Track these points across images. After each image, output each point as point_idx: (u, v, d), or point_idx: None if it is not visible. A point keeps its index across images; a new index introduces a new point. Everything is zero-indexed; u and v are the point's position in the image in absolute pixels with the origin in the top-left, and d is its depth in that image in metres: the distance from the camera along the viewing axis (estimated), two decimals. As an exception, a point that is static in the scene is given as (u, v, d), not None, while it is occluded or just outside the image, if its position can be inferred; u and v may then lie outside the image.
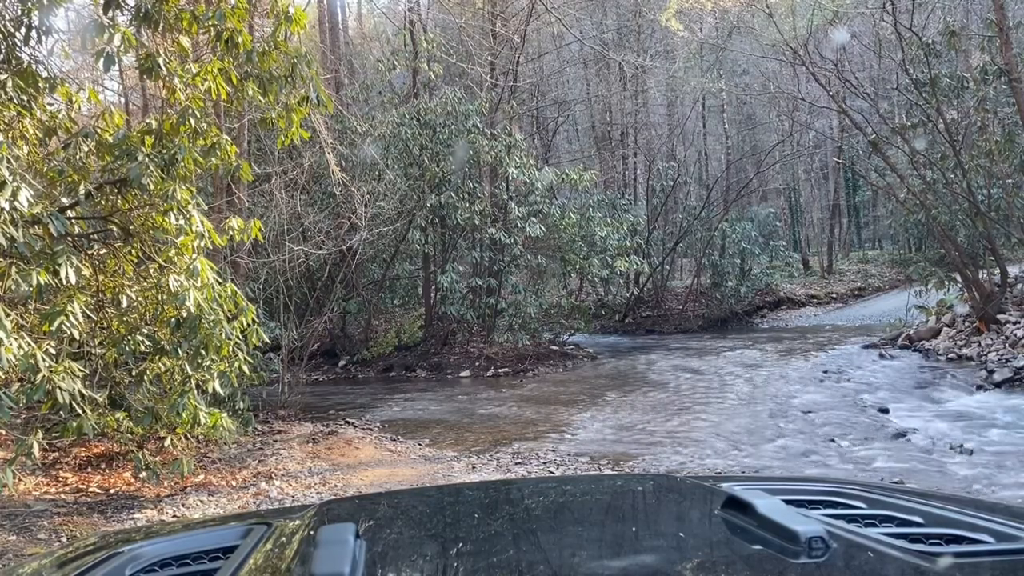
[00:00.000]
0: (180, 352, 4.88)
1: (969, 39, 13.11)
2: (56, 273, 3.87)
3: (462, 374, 13.70)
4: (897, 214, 15.44)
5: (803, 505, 1.29)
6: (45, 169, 4.83)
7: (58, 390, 3.88)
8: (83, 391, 4.17)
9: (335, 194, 11.36)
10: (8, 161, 3.74)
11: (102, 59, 4.20)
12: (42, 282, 3.76)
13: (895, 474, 5.93)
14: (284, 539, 1.24)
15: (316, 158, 10.87)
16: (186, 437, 5.70)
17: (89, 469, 6.31)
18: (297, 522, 1.35)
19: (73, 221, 4.58)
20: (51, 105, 4.90)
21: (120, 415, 5.31)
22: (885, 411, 8.29)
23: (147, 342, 5.11)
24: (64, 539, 4.60)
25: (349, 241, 11.55)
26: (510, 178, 14.28)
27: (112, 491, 5.76)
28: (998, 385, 9.10)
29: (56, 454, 6.62)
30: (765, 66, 23.85)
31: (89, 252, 5.03)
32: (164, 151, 4.63)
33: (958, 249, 12.15)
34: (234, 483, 6.15)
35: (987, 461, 6.20)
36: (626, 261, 14.93)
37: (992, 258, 12.37)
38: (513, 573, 1.01)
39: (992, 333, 11.28)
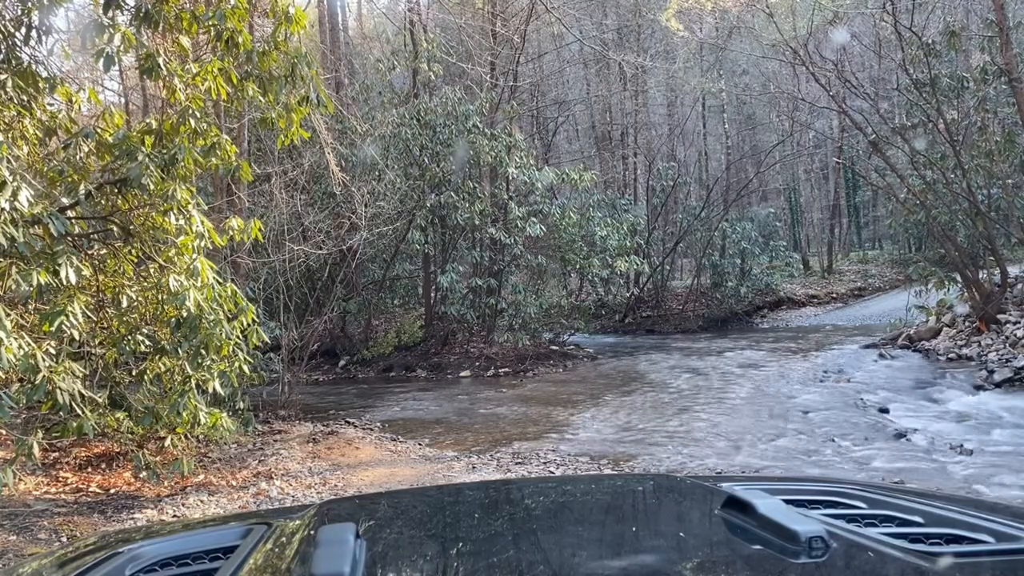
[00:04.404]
0: (180, 352, 4.88)
1: (969, 39, 13.10)
2: (56, 273, 3.86)
3: (462, 374, 13.70)
4: (897, 214, 15.43)
5: (803, 505, 1.29)
6: (45, 169, 4.83)
7: (58, 390, 3.88)
8: (83, 391, 4.17)
9: (335, 194, 11.37)
10: (8, 161, 3.74)
11: (102, 59, 4.20)
12: (42, 282, 3.75)
13: (895, 474, 5.93)
14: (284, 539, 1.24)
15: (316, 158, 10.88)
16: (186, 437, 5.71)
17: (89, 469, 6.31)
18: (297, 522, 1.35)
19: (73, 221, 4.58)
20: (51, 105, 4.90)
21: (120, 415, 5.31)
22: (885, 411, 8.29)
23: (147, 342, 5.12)
24: (64, 539, 4.60)
25: (349, 241, 11.55)
26: (510, 178, 14.29)
27: (112, 491, 5.76)
28: (998, 385, 9.10)
29: (56, 454, 6.62)
30: (765, 66, 23.86)
31: (89, 252, 5.03)
32: (164, 151, 4.63)
33: (958, 249, 12.14)
34: (234, 483, 6.15)
35: (987, 461, 6.20)
36: (626, 261, 14.93)
37: (992, 258, 12.36)
38: (513, 573, 1.01)
39: (992, 333, 11.28)
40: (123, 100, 17.85)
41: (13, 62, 4.43)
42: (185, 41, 4.88)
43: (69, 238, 4.39)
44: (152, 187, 4.46)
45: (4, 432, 6.07)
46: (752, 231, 21.25)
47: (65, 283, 3.95)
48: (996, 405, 8.23)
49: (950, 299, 12.92)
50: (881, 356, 12.26)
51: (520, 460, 6.94)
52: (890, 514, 1.22)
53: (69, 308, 3.96)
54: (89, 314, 4.68)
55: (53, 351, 4.13)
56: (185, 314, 4.60)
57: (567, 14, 19.48)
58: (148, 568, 1.20)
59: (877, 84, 18.25)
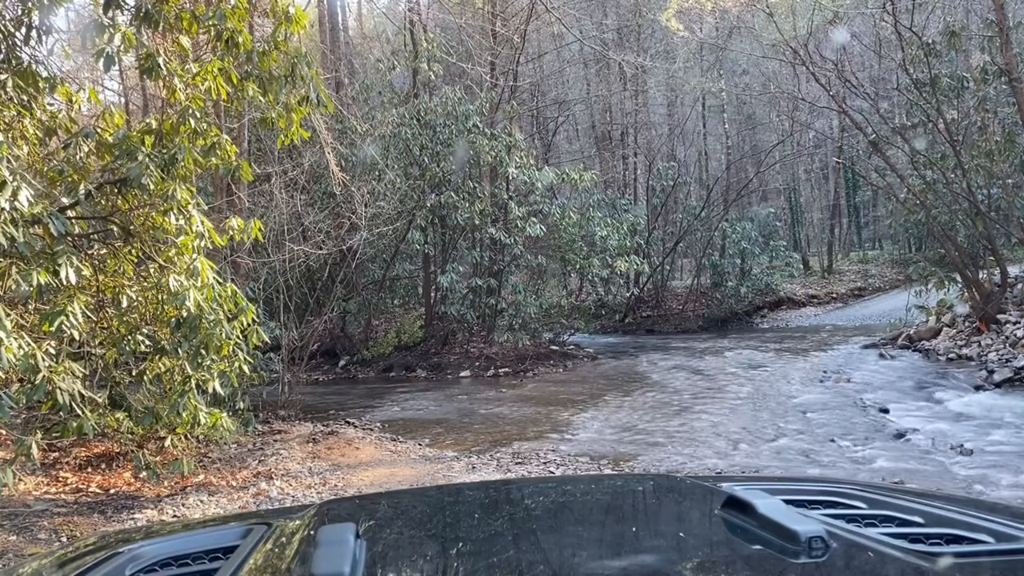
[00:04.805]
0: (180, 352, 4.88)
1: (969, 39, 13.11)
2: (56, 273, 3.86)
3: (462, 374, 13.70)
4: (897, 214, 15.44)
5: (803, 505, 1.29)
6: (45, 169, 4.83)
7: (58, 390, 3.88)
8: (83, 391, 4.16)
9: (335, 194, 11.37)
10: (8, 161, 3.74)
11: (102, 59, 4.20)
12: (42, 282, 3.75)
13: (895, 474, 5.93)
14: (284, 539, 1.24)
15: (316, 158, 10.87)
16: (186, 437, 5.71)
17: (89, 469, 6.31)
18: (297, 522, 1.35)
19: (73, 221, 4.58)
20: (51, 105, 4.90)
21: (120, 415, 5.31)
22: (885, 411, 8.29)
23: (147, 342, 5.11)
24: (64, 539, 4.60)
25: (349, 241, 11.55)
26: (510, 178, 14.28)
27: (112, 491, 5.76)
28: (998, 385, 9.10)
29: (56, 454, 6.62)
30: (765, 66, 23.86)
31: (89, 252, 5.03)
32: (164, 151, 4.63)
33: (958, 249, 12.14)
34: (234, 483, 6.15)
35: (987, 461, 6.20)
36: (626, 261, 14.93)
37: (992, 258, 12.37)
38: (513, 573, 1.01)
39: (992, 333, 11.28)
40: (123, 100, 17.85)
41: (13, 62, 4.43)
42: (185, 41, 4.88)
43: (69, 238, 4.39)
44: (152, 187, 4.46)
45: (4, 432, 6.07)
46: (752, 231, 21.26)
47: (65, 283, 3.95)
48: (996, 405, 8.23)
49: (950, 299, 12.93)
50: (881, 356, 12.26)
51: (520, 460, 6.94)
52: (890, 514, 1.22)
53: (69, 308, 3.96)
54: (89, 314, 4.68)
55: (53, 351, 4.13)
56: (185, 314, 4.59)
57: (567, 14, 19.48)
58: (148, 568, 1.20)
59: (877, 84, 18.26)
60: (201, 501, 5.56)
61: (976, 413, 7.96)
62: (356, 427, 8.94)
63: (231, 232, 5.12)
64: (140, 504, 5.42)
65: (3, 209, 3.56)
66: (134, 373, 5.71)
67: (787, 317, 21.87)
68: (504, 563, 1.05)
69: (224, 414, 5.18)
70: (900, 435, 7.16)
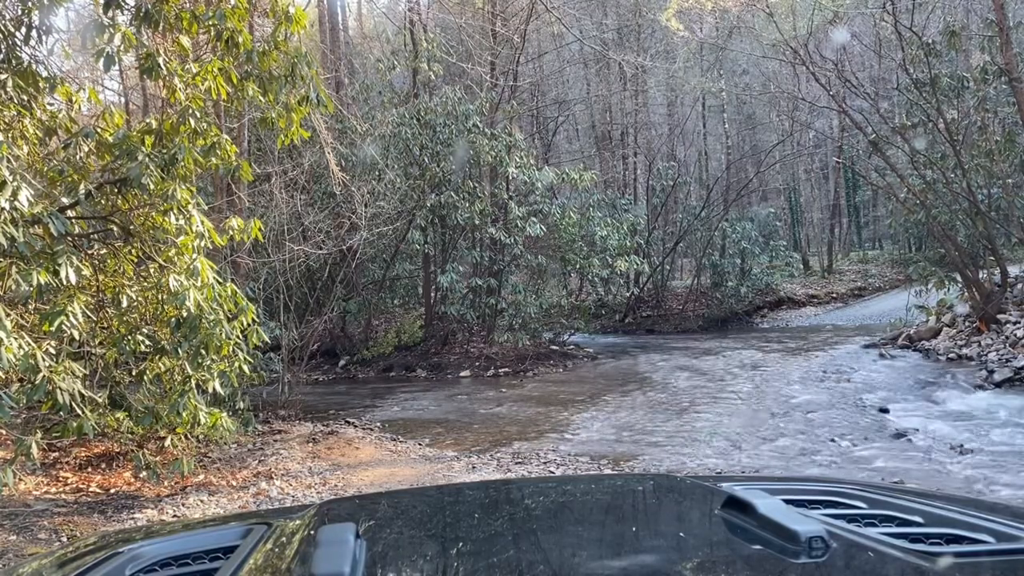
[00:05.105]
0: (180, 352, 4.88)
1: (969, 39, 13.12)
2: (56, 273, 3.86)
3: (462, 374, 13.70)
4: (897, 214, 15.44)
5: (803, 505, 1.29)
6: (45, 169, 4.83)
7: (58, 390, 3.88)
8: (83, 391, 4.16)
9: (335, 194, 11.36)
10: (8, 161, 3.74)
11: (102, 59, 4.20)
12: (42, 282, 3.75)
13: (895, 474, 5.92)
14: (284, 539, 1.24)
15: (316, 158, 10.87)
16: (186, 437, 5.71)
17: (89, 469, 6.31)
18: (297, 522, 1.35)
19: (73, 221, 4.57)
20: (51, 105, 4.90)
21: (120, 415, 5.31)
22: (885, 411, 8.28)
23: (147, 342, 5.12)
24: (64, 539, 4.60)
25: (349, 241, 11.55)
26: (510, 178, 14.28)
27: (112, 491, 5.76)
28: (998, 385, 9.10)
29: (56, 454, 6.62)
30: (765, 66, 23.86)
31: (89, 252, 5.03)
32: (164, 151, 4.63)
33: (958, 249, 12.15)
34: (234, 483, 6.15)
35: (987, 461, 6.20)
36: (626, 261, 14.93)
37: (992, 258, 12.37)
38: (513, 573, 1.01)
39: (992, 333, 11.28)
40: (123, 100, 17.85)
41: (13, 62, 4.43)
42: (185, 41, 4.88)
43: (69, 238, 4.39)
44: (152, 187, 4.46)
45: (4, 432, 6.07)
46: (752, 231, 21.25)
47: (65, 283, 3.94)
48: (996, 405, 8.23)
49: (950, 299, 12.93)
50: (881, 356, 12.26)
51: (520, 460, 6.94)
52: (890, 514, 1.22)
53: (69, 308, 3.96)
54: (89, 314, 4.68)
55: (53, 351, 4.13)
56: (185, 314, 4.59)
57: (567, 14, 19.49)
58: (148, 568, 1.20)
59: (877, 84, 18.27)
60: (201, 501, 5.56)
61: (976, 413, 7.96)
62: (356, 427, 8.94)
63: (231, 232, 5.12)
64: (140, 504, 5.42)
65: (3, 209, 3.56)
66: (134, 373, 5.71)
67: (787, 317, 21.87)
68: (504, 563, 1.05)
69: (224, 414, 5.18)
70: (900, 435, 7.16)
